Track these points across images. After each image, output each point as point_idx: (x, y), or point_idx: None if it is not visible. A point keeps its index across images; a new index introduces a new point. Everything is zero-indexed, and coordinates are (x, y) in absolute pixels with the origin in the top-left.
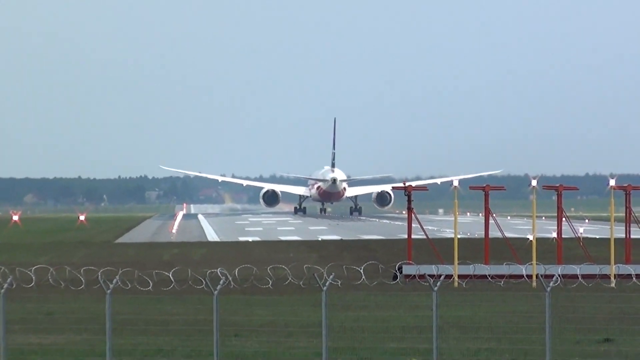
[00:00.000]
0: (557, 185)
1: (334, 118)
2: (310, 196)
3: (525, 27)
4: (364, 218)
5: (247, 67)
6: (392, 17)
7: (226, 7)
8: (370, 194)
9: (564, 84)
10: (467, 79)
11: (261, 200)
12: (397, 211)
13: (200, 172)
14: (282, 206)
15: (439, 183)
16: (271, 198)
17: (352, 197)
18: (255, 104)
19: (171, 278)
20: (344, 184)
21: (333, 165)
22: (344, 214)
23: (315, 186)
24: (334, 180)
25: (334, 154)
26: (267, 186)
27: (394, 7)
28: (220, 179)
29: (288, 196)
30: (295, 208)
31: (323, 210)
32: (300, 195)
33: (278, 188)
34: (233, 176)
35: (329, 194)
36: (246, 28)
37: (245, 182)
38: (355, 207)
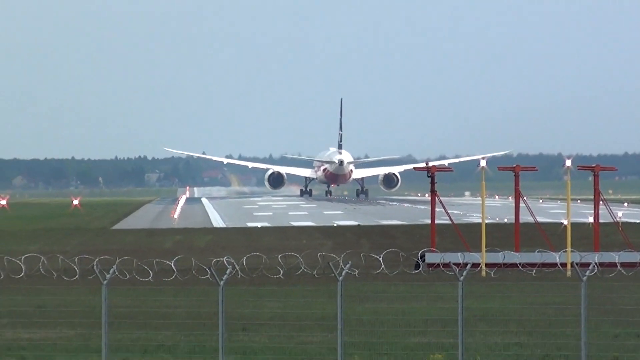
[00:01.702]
0: (594, 165)
1: (340, 98)
2: (317, 178)
3: None
4: (383, 202)
5: (255, 44)
6: None
7: None
8: (377, 176)
9: (601, 55)
10: (493, 46)
11: (266, 183)
12: (407, 193)
13: (204, 153)
14: (287, 188)
15: (446, 164)
16: (276, 180)
17: (358, 179)
18: (264, 82)
19: (173, 267)
20: (351, 166)
21: (340, 147)
22: (343, 197)
23: (322, 168)
24: (341, 162)
25: (340, 135)
26: (272, 168)
27: None
28: (225, 161)
29: (294, 178)
30: (302, 190)
31: (329, 192)
32: (306, 177)
33: (284, 170)
34: (240, 157)
35: (336, 176)
36: (255, 7)
37: (250, 164)
38: (362, 189)
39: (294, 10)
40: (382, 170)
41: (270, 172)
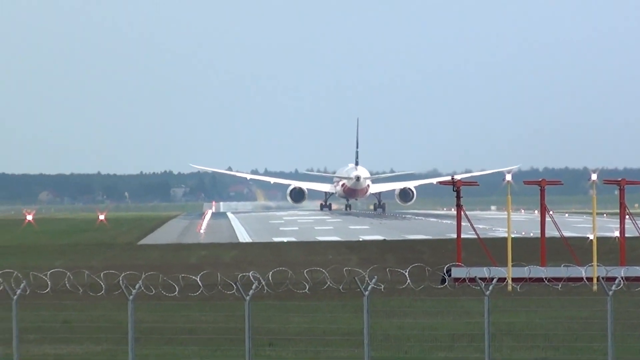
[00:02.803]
0: (620, 179)
1: (357, 118)
2: (336, 193)
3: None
4: (409, 216)
5: (277, 62)
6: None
7: (251, 2)
8: (393, 190)
9: (625, 67)
10: (517, 58)
11: (288, 197)
12: (437, 207)
13: (230, 169)
14: (309, 203)
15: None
16: (298, 195)
17: (375, 193)
18: (292, 98)
19: (199, 282)
20: (368, 181)
21: (357, 163)
22: (361, 210)
23: (340, 183)
24: (358, 178)
25: (357, 152)
26: (294, 183)
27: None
28: (248, 176)
29: (315, 193)
30: (321, 204)
31: (348, 206)
32: (325, 192)
33: (305, 185)
34: (265, 171)
35: (354, 191)
36: (273, 25)
37: (272, 180)
38: (379, 204)
39: (318, 26)
40: (399, 185)
41: (292, 187)
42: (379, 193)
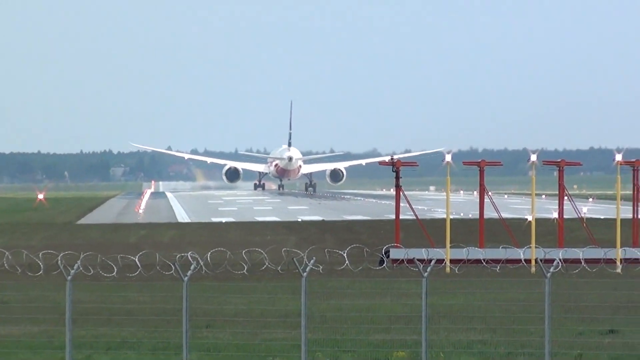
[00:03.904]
0: (559, 160)
1: (290, 101)
2: (269, 173)
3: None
4: (348, 197)
5: (219, 41)
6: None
7: None
8: (324, 171)
9: (566, 47)
10: (460, 42)
11: (223, 177)
12: (379, 188)
13: (169, 149)
14: (243, 183)
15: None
16: (233, 175)
17: (307, 174)
18: (231, 78)
19: (137, 263)
20: (300, 162)
21: (289, 145)
22: (293, 190)
23: (273, 164)
24: (290, 159)
25: (290, 134)
26: (229, 164)
27: None
28: (186, 156)
29: (249, 173)
30: (255, 184)
31: (281, 186)
32: (259, 172)
33: (239, 165)
34: (205, 151)
35: (286, 171)
36: (214, 2)
37: (209, 160)
38: (310, 184)
39: (259, 4)
40: (329, 166)
41: (227, 167)
42: (310, 173)
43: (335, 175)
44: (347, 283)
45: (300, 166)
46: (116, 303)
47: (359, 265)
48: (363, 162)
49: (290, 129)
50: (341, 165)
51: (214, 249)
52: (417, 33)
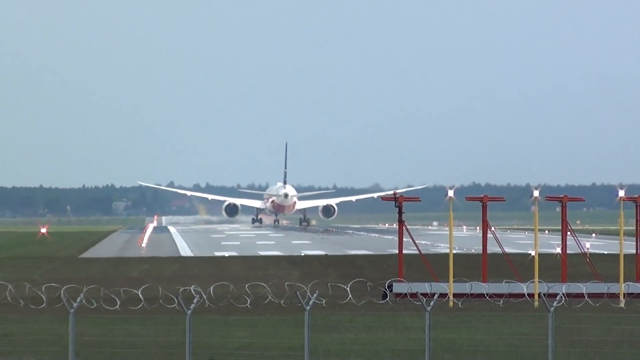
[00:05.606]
0: (562, 195)
1: (285, 143)
2: (266, 208)
3: (528, 28)
4: (351, 231)
5: (222, 76)
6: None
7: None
8: (317, 207)
9: (568, 86)
10: (458, 73)
11: (223, 212)
12: (380, 223)
13: (171, 184)
14: (241, 217)
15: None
16: (232, 210)
17: (301, 209)
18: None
19: (140, 296)
20: (295, 198)
21: (285, 182)
22: (289, 224)
23: (270, 200)
24: (286, 195)
25: (285, 172)
26: (228, 200)
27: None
28: (189, 193)
29: (247, 208)
30: (253, 219)
31: (277, 220)
32: (256, 207)
33: (238, 201)
34: (207, 185)
35: (282, 207)
36: (213, 40)
37: (210, 196)
38: (304, 218)
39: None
40: (321, 202)
41: (227, 203)
42: (304, 209)
43: (327, 211)
44: (350, 317)
45: (295, 202)
46: (119, 336)
47: (362, 299)
48: (353, 198)
49: (286, 167)
50: (333, 201)
51: (217, 283)
52: (420, 69)
